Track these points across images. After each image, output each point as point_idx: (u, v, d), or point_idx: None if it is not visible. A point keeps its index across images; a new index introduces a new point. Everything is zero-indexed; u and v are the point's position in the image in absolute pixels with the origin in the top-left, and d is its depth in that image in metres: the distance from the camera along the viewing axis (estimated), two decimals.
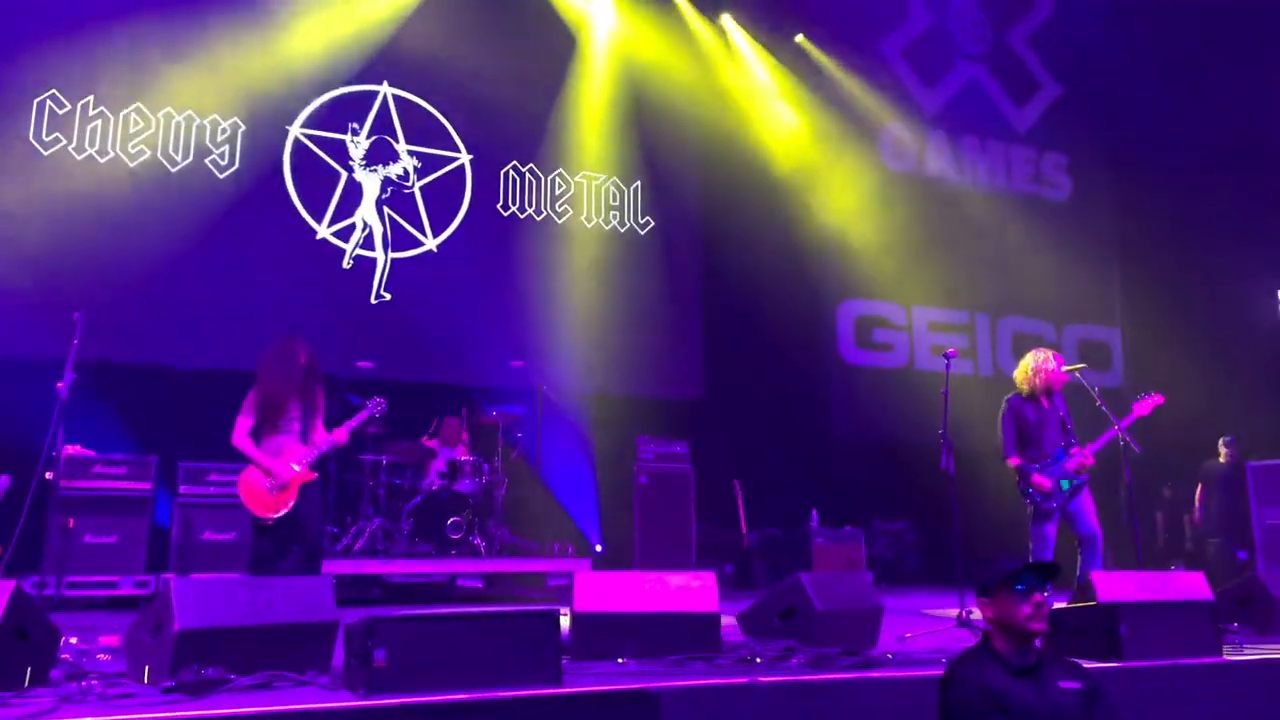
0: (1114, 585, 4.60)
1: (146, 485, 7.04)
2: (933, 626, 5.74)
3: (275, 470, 5.22)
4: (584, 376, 9.72)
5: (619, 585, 4.46)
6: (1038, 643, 2.83)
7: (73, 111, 8.54)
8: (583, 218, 10.39)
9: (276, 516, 5.22)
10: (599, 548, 9.14)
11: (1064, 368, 6.23)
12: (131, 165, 8.69)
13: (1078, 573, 5.75)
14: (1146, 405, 6.04)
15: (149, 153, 8.77)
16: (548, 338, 9.53)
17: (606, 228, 10.48)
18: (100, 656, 4.20)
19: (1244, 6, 11.26)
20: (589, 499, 9.52)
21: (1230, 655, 4.61)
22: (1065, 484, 5.97)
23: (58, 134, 8.47)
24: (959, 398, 6.38)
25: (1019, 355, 6.48)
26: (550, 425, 8.92)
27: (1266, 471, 8.51)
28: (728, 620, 4.73)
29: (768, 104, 11.38)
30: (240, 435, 5.27)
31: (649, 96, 10.64)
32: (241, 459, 5.35)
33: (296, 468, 5.26)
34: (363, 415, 5.58)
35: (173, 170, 8.83)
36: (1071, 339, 12.46)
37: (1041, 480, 5.95)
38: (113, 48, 8.66)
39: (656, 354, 10.34)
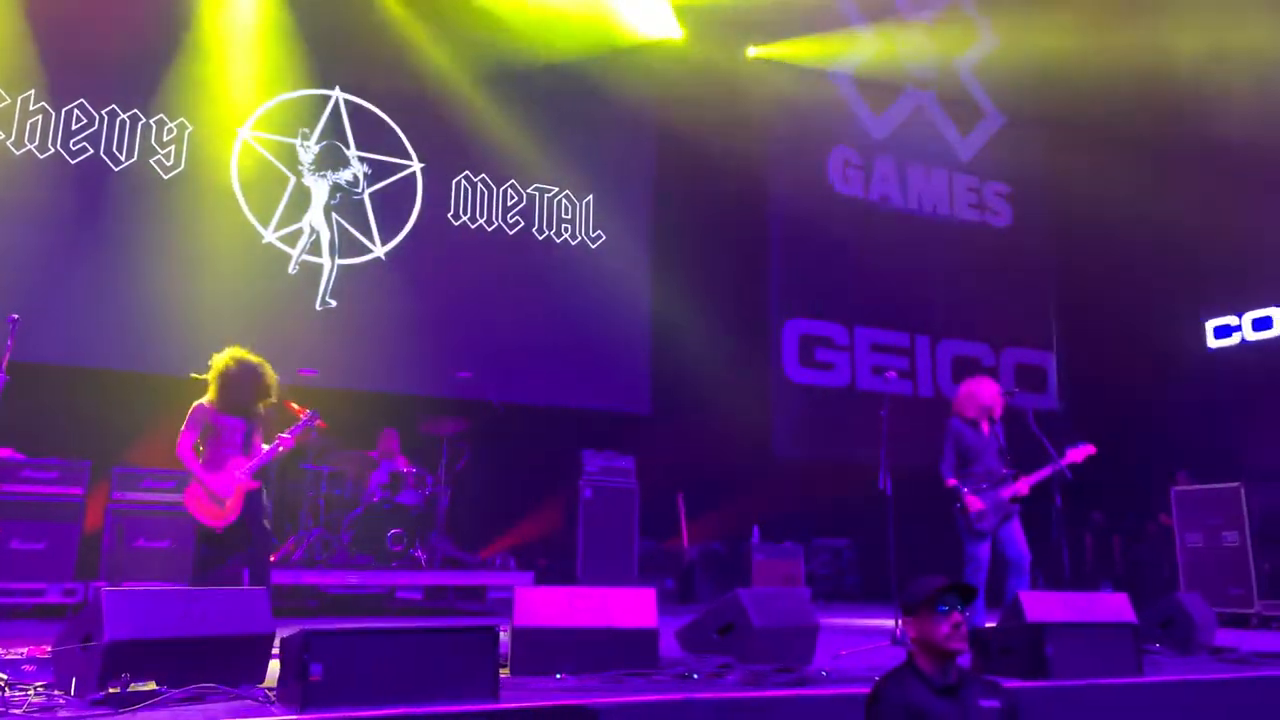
0: (1041, 606, 4.72)
1: (78, 490, 6.89)
2: (867, 645, 5.84)
3: (216, 486, 5.30)
4: (531, 389, 9.71)
5: (559, 600, 4.48)
6: (964, 662, 2.92)
7: (12, 105, 8.36)
8: (534, 230, 10.40)
9: (225, 525, 5.29)
10: (541, 561, 9.12)
11: (1000, 392, 6.43)
12: (73, 163, 8.52)
13: (1005, 595, 5.89)
14: (1079, 454, 6.23)
15: (91, 150, 8.61)
16: (495, 349, 9.50)
17: (558, 240, 10.50)
18: (25, 667, 4.11)
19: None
20: (533, 512, 9.50)
21: (1151, 675, 4.75)
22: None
23: None
24: (898, 418, 6.52)
25: (958, 377, 6.66)
26: (496, 437, 8.89)
27: (1189, 496, 8.75)
28: (669, 631, 4.78)
29: (717, 119, 11.45)
30: (184, 449, 5.32)
31: (603, 112, 10.70)
32: (177, 465, 5.42)
33: (239, 475, 5.35)
34: (297, 428, 5.62)
35: (116, 169, 8.67)
36: (1010, 362, 12.75)
37: (974, 501, 6.10)
38: (56, 42, 8.50)
39: (604, 368, 10.38)
